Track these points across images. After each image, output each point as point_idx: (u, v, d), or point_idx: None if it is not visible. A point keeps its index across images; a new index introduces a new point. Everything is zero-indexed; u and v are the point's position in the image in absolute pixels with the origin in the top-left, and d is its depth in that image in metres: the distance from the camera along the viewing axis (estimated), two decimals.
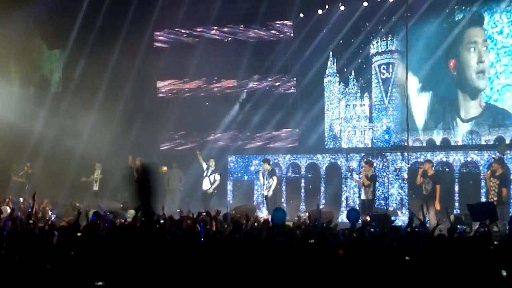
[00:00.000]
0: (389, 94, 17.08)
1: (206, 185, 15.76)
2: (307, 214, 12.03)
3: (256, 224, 10.07)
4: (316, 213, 11.42)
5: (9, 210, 11.12)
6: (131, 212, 11.03)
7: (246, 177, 18.00)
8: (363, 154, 16.37)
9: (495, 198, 12.62)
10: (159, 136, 20.16)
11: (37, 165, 17.37)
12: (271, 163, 15.90)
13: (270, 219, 10.07)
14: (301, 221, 11.54)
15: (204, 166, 15.97)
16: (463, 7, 15.94)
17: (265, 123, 19.05)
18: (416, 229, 8.67)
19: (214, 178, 15.77)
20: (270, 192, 15.16)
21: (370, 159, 15.53)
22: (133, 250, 5.79)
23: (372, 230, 9.28)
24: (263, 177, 15.45)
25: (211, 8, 18.83)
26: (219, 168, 16.44)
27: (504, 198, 12.64)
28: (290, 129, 19.12)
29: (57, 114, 17.97)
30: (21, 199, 14.74)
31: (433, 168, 13.89)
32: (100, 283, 5.00)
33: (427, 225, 10.43)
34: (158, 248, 5.29)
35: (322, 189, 16.76)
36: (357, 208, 14.19)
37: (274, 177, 15.33)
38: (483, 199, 13.68)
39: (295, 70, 19.01)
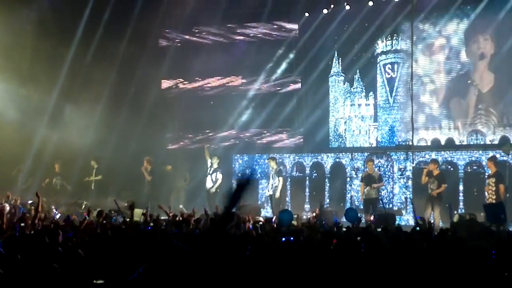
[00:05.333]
0: (394, 94, 17.07)
1: (208, 183, 15.72)
2: (315, 213, 11.94)
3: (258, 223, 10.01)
4: (325, 213, 11.42)
5: (8, 208, 10.98)
6: (137, 212, 10.88)
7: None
8: (367, 153, 16.36)
9: (494, 197, 12.50)
10: (164, 135, 20.15)
11: (41, 164, 17.31)
12: (277, 161, 15.90)
13: (273, 220, 10.02)
14: (303, 220, 11.51)
15: (209, 163, 15.92)
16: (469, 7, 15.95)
17: (270, 122, 19.04)
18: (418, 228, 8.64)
19: (216, 176, 15.66)
20: (277, 194, 15.13)
21: (371, 157, 15.49)
22: (134, 249, 5.80)
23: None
24: (270, 176, 15.45)
25: (216, 7, 18.82)
26: (224, 167, 16.44)
27: (502, 195, 12.43)
28: (295, 128, 19.08)
29: (62, 113, 17.96)
30: (18, 198, 14.45)
31: (438, 168, 13.86)
32: (100, 282, 4.98)
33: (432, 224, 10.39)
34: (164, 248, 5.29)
35: (327, 188, 16.77)
36: (354, 207, 14.16)
37: (280, 178, 15.31)
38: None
39: (300, 69, 18.98)
